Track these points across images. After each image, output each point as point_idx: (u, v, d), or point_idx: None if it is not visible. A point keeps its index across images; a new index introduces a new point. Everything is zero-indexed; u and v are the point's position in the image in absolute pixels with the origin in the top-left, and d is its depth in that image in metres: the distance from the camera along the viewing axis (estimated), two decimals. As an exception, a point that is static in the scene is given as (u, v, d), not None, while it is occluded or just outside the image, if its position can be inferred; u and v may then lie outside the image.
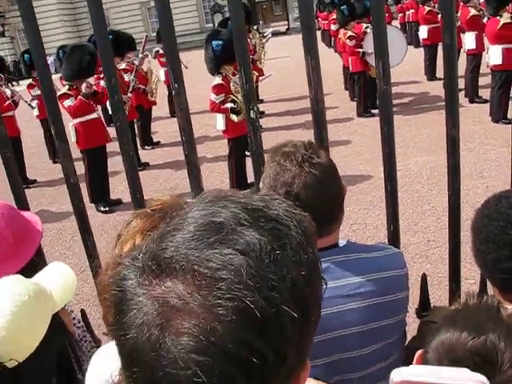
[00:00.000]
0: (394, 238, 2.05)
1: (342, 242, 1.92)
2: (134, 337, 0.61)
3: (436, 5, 13.68)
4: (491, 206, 1.57)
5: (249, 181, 7.65)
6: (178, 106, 1.88)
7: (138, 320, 0.61)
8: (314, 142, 1.64)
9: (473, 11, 10.70)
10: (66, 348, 1.57)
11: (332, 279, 1.58)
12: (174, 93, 1.86)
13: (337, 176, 1.64)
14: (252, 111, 1.86)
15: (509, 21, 8.90)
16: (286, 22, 46.24)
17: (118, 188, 8.53)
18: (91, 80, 8.59)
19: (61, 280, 1.52)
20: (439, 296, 4.24)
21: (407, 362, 1.29)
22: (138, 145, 10.27)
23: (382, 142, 1.94)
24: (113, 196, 8.33)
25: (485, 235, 1.53)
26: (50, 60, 31.61)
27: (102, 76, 9.31)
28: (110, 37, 9.39)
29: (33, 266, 1.64)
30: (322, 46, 24.83)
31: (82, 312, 2.26)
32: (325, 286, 0.77)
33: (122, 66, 9.96)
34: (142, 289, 0.62)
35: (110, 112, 10.03)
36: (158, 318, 0.60)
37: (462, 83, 11.74)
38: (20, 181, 2.28)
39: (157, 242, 0.66)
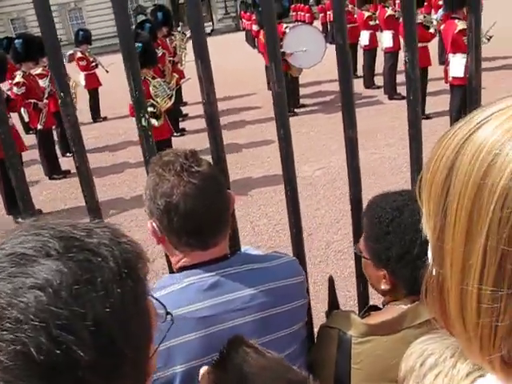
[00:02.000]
0: (297, 242, 2.03)
1: (242, 250, 1.87)
2: None
3: (351, 5, 14.01)
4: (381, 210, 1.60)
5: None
6: (66, 116, 1.78)
7: None
8: (195, 151, 1.58)
9: (389, 11, 11.00)
10: None
11: (222, 294, 1.53)
12: (60, 102, 1.77)
13: (220, 185, 1.59)
14: (143, 119, 1.79)
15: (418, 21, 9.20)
16: (211, 23, 46.18)
17: (38, 198, 8.23)
18: (3, 86, 8.25)
19: None
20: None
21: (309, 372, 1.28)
22: (59, 152, 9.94)
23: (279, 145, 1.92)
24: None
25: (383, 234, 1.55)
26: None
27: (13, 82, 8.97)
28: (20, 41, 9.08)
29: None
30: (246, 46, 24.96)
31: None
32: (169, 318, 0.71)
33: (38, 71, 9.61)
34: None
35: (26, 119, 9.75)
36: None
37: (381, 81, 12.05)
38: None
39: None
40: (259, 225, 6.42)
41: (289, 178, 1.95)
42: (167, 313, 0.72)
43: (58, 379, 0.53)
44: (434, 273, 0.63)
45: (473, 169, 0.55)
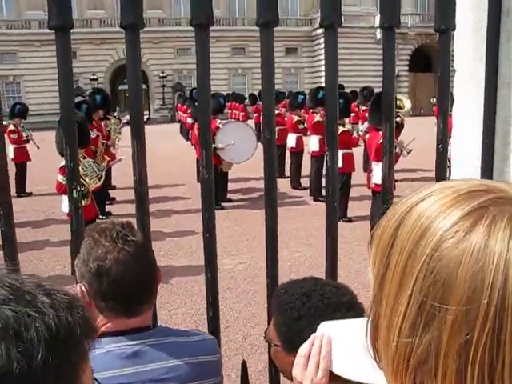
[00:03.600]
0: (214, 332, 2.07)
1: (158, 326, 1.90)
2: None
3: (283, 108, 14.81)
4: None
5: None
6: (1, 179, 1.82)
7: None
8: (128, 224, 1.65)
9: (317, 117, 11.64)
10: None
11: (142, 363, 1.55)
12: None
13: (152, 257, 1.66)
14: (75, 190, 1.85)
15: (345, 129, 9.83)
16: (147, 112, 47.00)
17: None
18: None
19: None
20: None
21: None
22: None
23: (203, 236, 2.00)
24: None
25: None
26: None
27: None
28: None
29: None
30: (180, 138, 25.41)
31: None
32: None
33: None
34: None
35: None
36: None
37: (307, 182, 12.51)
38: None
39: None
40: (177, 313, 6.34)
41: (210, 270, 2.02)
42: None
43: None
44: (372, 310, 0.76)
45: (413, 231, 0.69)
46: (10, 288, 0.65)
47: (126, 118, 13.49)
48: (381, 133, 8.87)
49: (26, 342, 0.61)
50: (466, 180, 0.73)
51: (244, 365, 2.24)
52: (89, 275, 1.54)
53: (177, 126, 30.53)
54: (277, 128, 14.01)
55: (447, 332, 0.63)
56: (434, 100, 22.44)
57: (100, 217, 9.40)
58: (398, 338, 0.68)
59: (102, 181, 7.59)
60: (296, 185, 13.11)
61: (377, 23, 30.11)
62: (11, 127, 13.30)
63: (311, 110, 12.16)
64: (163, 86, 47.00)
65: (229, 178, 12.21)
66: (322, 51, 46.54)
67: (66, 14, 1.73)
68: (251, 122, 21.87)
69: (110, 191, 11.99)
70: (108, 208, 11.05)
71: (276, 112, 14.44)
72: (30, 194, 13.24)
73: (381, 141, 8.40)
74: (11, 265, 0.70)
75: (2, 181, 1.83)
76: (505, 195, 0.68)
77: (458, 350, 0.62)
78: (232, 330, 5.82)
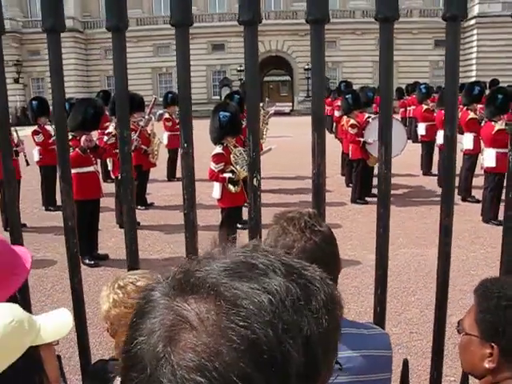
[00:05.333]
0: (379, 322, 2.06)
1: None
2: (143, 341, 0.63)
3: (432, 103, 14.19)
4: None
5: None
6: (186, 165, 1.94)
7: (152, 326, 0.63)
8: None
9: (471, 114, 11.09)
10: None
11: None
12: (182, 151, 1.92)
13: (335, 247, 1.68)
14: (255, 179, 1.92)
15: (502, 127, 9.25)
16: (291, 104, 47.51)
17: (106, 244, 8.49)
18: (94, 134, 8.71)
19: (55, 318, 1.53)
20: (417, 389, 4.18)
21: None
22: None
23: (376, 223, 2.00)
24: (100, 251, 8.27)
25: None
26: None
27: (105, 132, 9.49)
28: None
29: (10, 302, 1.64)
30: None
31: (58, 356, 2.24)
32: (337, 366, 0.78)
33: (127, 125, 10.13)
34: (165, 300, 0.65)
35: (110, 168, 10.23)
36: (170, 330, 0.62)
37: (456, 181, 11.99)
38: (18, 218, 2.30)
39: (193, 265, 0.69)
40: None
41: (381, 254, 2.01)
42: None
43: (272, 377, 0.60)
44: None
45: None
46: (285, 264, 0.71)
47: (273, 108, 13.75)
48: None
49: (313, 308, 0.68)
50: None
51: (406, 363, 2.21)
52: None
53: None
54: (426, 123, 13.69)
55: None
56: None
57: (245, 204, 9.62)
58: None
59: (252, 169, 7.78)
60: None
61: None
62: (166, 115, 14.06)
63: (465, 107, 11.59)
64: (307, 78, 47.22)
65: (374, 173, 12.04)
66: (474, 43, 44.48)
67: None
68: (397, 117, 21.45)
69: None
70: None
71: (425, 107, 14.10)
72: (179, 179, 13.91)
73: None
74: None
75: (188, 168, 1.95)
76: None
77: None
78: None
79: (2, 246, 1.75)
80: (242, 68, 46.18)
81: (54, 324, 1.50)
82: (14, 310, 1.42)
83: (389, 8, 1.83)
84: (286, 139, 21.69)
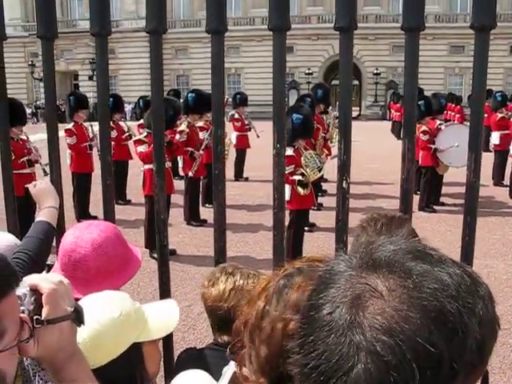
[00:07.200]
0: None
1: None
2: (329, 306, 0.70)
3: (509, 112, 13.74)
4: None
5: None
6: (277, 165, 2.01)
7: (340, 294, 0.70)
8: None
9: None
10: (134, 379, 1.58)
11: None
12: (274, 152, 2.00)
13: None
14: (345, 181, 1.97)
15: None
16: (358, 108, 47.01)
17: (174, 239, 8.68)
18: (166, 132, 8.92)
19: (162, 310, 1.60)
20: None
21: None
22: (200, 201, 10.48)
23: (462, 231, 2.01)
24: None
25: None
26: (128, 108, 33.12)
27: (177, 130, 9.71)
28: (193, 95, 9.96)
29: None
30: (391, 138, 25.05)
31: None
32: None
33: (200, 123, 10.33)
34: (351, 272, 0.72)
35: (180, 165, 10.46)
36: (359, 297, 0.68)
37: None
38: (113, 213, 2.43)
39: (368, 248, 0.76)
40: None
41: (467, 260, 2.02)
42: None
43: (454, 347, 0.66)
44: None
45: None
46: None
47: (335, 113, 13.67)
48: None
49: (480, 296, 0.73)
50: None
51: (486, 374, 2.20)
52: None
53: (387, 123, 30.21)
54: (500, 132, 13.28)
55: None
56: None
57: (313, 208, 9.54)
58: None
59: (322, 173, 7.79)
60: (515, 194, 12.26)
61: None
62: (236, 116, 14.23)
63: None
64: (376, 83, 46.65)
65: (443, 181, 11.82)
66: None
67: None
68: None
69: (321, 183, 12.21)
70: (320, 200, 11.29)
71: (500, 115, 13.69)
72: (246, 179, 14.10)
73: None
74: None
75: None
76: None
77: None
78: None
79: (119, 239, 1.86)
80: (309, 71, 46.19)
81: (161, 318, 1.56)
82: (124, 300, 1.50)
83: (487, 16, 1.85)
84: (354, 143, 21.47)
